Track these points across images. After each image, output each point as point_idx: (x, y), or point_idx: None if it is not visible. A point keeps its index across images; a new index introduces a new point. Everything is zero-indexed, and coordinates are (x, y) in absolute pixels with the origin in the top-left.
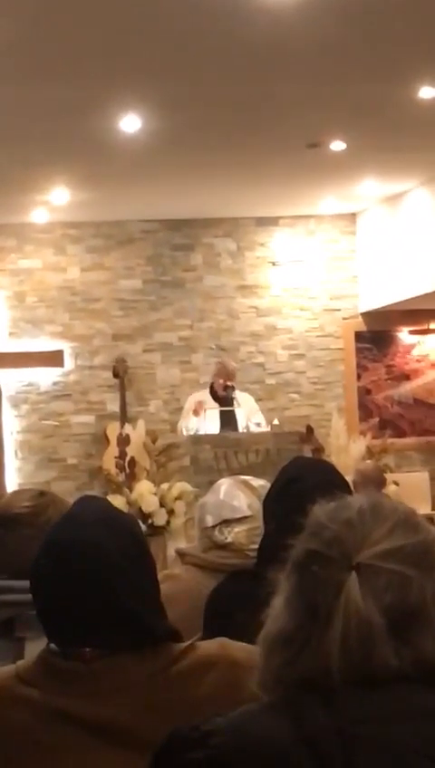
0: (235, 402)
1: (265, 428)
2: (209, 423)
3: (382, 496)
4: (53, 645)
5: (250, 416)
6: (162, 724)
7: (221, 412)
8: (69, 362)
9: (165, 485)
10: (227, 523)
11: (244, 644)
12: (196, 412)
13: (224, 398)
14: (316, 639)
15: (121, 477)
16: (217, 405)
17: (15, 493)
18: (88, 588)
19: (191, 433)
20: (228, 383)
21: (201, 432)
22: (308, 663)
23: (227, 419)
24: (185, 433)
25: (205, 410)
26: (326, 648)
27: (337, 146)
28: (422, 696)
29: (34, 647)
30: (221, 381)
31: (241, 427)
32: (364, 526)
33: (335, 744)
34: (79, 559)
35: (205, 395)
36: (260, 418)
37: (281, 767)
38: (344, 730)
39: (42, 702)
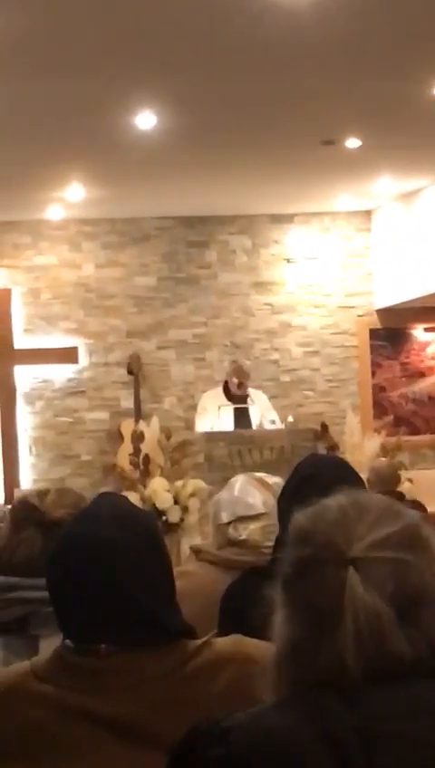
0: (248, 400)
1: (279, 426)
2: (224, 421)
3: (358, 491)
4: (68, 641)
5: (264, 413)
6: (178, 721)
7: (235, 410)
8: (83, 359)
9: (179, 482)
10: (241, 519)
11: (259, 641)
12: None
13: (237, 396)
14: (329, 641)
15: (136, 474)
16: (230, 403)
17: (60, 495)
18: (102, 584)
19: (207, 429)
20: (245, 382)
21: (217, 429)
22: (324, 665)
23: (241, 417)
24: (200, 431)
25: (219, 407)
26: (341, 647)
27: (352, 143)
28: None
29: (49, 644)
30: (235, 380)
31: (255, 424)
32: (350, 522)
33: (355, 741)
34: (93, 555)
35: (218, 393)
36: (274, 416)
37: (302, 764)
38: (364, 727)
39: (57, 699)
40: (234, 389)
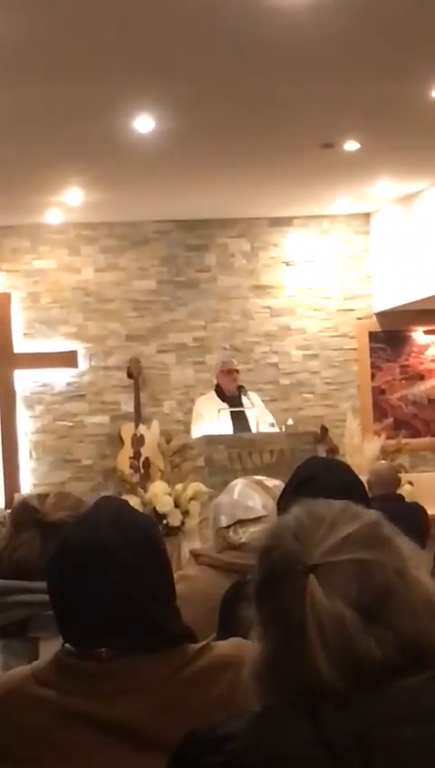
0: (247, 402)
1: (277, 429)
2: (223, 424)
3: (314, 501)
4: (68, 645)
5: (261, 416)
6: (177, 725)
7: (232, 413)
8: (83, 363)
9: (179, 486)
10: (241, 523)
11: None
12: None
13: (232, 399)
14: (300, 652)
15: (136, 478)
16: (226, 405)
17: (59, 498)
18: (102, 588)
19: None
20: (239, 384)
21: (215, 433)
22: (300, 677)
23: (239, 420)
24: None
25: (219, 410)
26: (311, 657)
27: (351, 146)
28: (430, 694)
29: (49, 647)
30: (225, 370)
31: (252, 426)
32: (306, 531)
33: (353, 747)
34: (93, 559)
35: (212, 397)
36: (271, 418)
37: None
38: (361, 733)
39: (57, 702)
40: (227, 387)
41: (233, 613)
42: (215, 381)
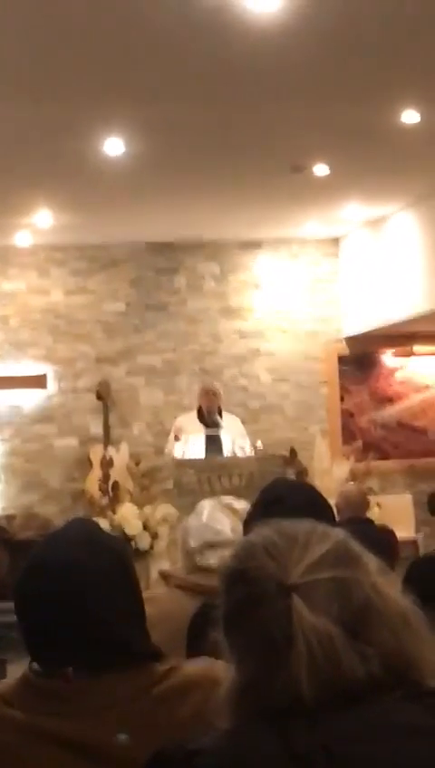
0: (222, 423)
1: (248, 453)
2: (194, 447)
3: (280, 520)
4: (35, 664)
5: (236, 440)
6: (145, 744)
7: (207, 436)
8: (52, 385)
9: (148, 508)
10: (209, 546)
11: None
12: (176, 438)
13: (212, 422)
14: (283, 671)
15: (105, 500)
16: (203, 428)
17: (27, 518)
18: (70, 607)
19: (178, 457)
20: (219, 406)
21: (186, 456)
22: (278, 695)
23: (213, 443)
24: (171, 456)
25: (185, 435)
26: (295, 675)
27: (321, 169)
28: (402, 710)
29: (17, 669)
30: (208, 404)
31: (227, 450)
32: (281, 551)
33: (321, 761)
34: (60, 578)
35: (192, 418)
36: (244, 443)
37: None
38: (331, 749)
39: (25, 722)
40: (207, 407)
41: (202, 635)
42: (198, 404)
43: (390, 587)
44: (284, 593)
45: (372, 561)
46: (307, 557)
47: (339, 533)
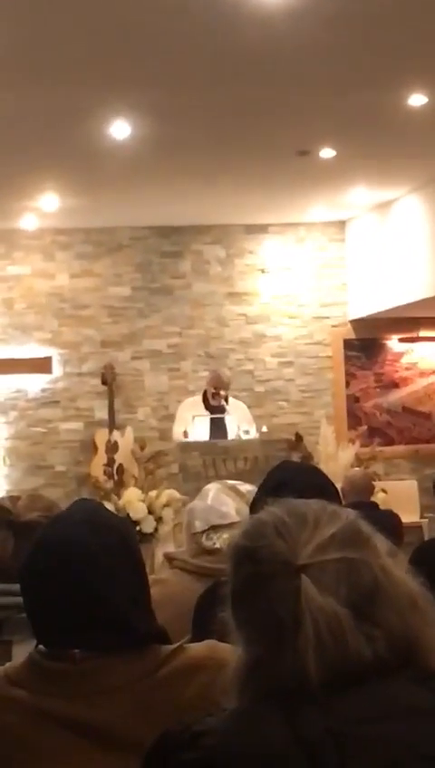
0: (226, 408)
1: (253, 436)
2: (199, 430)
3: (289, 500)
4: (41, 646)
5: (241, 424)
6: (150, 726)
7: (212, 419)
8: (57, 369)
9: (153, 493)
10: (215, 528)
11: (232, 646)
12: (185, 434)
13: (216, 407)
14: (290, 651)
15: (110, 484)
16: (208, 412)
17: (31, 500)
18: (75, 588)
19: (183, 439)
20: (221, 392)
21: (191, 438)
22: (285, 675)
23: (218, 427)
24: (177, 438)
25: (193, 417)
26: (302, 655)
27: (327, 153)
28: (409, 693)
29: (23, 649)
30: (212, 389)
31: (232, 434)
32: (290, 531)
33: (329, 743)
34: (65, 559)
35: (197, 402)
36: (249, 427)
37: (275, 766)
38: (337, 730)
39: (31, 703)
40: (211, 399)
41: (207, 617)
42: (204, 388)
43: (398, 569)
44: (292, 573)
45: (381, 543)
46: (317, 537)
47: (349, 514)
